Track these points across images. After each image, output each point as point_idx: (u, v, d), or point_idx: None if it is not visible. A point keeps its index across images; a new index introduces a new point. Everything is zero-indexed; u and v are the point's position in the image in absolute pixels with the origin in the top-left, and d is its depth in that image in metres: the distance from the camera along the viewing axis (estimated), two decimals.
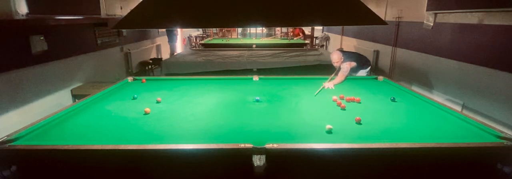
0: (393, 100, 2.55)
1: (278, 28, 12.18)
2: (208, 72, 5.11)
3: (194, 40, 11.71)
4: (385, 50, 5.99)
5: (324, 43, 9.95)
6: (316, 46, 9.24)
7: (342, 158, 1.63)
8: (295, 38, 9.20)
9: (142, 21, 1.91)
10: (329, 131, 1.84)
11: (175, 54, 8.11)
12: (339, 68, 3.44)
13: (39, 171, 1.66)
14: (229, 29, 12.52)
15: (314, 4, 1.90)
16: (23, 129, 1.84)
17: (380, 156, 1.63)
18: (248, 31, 13.03)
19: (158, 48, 8.37)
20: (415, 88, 3.95)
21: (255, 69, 5.14)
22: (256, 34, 12.10)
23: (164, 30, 8.78)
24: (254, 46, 7.43)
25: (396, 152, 1.62)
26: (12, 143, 1.66)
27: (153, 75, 6.81)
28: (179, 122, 2.09)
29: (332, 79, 3.21)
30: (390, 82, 3.16)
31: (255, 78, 3.28)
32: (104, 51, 5.42)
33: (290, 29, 10.72)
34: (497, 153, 1.65)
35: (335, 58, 3.57)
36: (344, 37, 8.53)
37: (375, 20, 1.90)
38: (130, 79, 3.27)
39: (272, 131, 1.89)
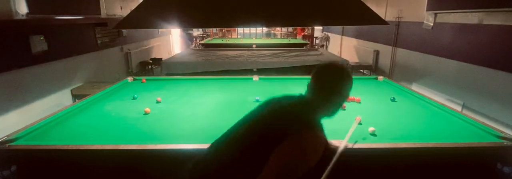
0: (393, 100, 2.55)
1: (278, 28, 12.18)
2: (208, 72, 5.11)
3: (194, 40, 11.71)
4: (385, 50, 5.99)
5: (324, 43, 9.94)
6: (316, 46, 9.23)
7: (342, 158, 1.62)
8: (299, 37, 9.17)
9: (142, 21, 1.91)
10: (373, 134, 1.83)
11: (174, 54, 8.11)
12: None
13: (39, 171, 1.66)
14: (229, 29, 12.51)
15: (314, 4, 1.90)
16: (23, 129, 1.84)
17: (380, 156, 1.63)
18: (273, 31, 12.72)
19: (158, 48, 8.38)
20: (415, 88, 3.95)
21: (255, 69, 5.13)
22: (256, 34, 12.08)
23: (164, 30, 8.77)
24: (254, 46, 7.42)
25: (396, 152, 1.62)
26: (12, 143, 1.66)
27: (153, 75, 6.81)
28: (179, 122, 2.09)
29: None
30: (390, 82, 3.16)
31: (255, 78, 3.28)
32: (104, 51, 5.42)
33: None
34: (497, 153, 1.65)
35: None
36: (344, 37, 8.53)
37: (376, 20, 1.90)
38: (130, 79, 3.27)
39: None
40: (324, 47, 9.84)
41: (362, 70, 6.84)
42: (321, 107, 1.19)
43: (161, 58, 6.57)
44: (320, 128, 1.16)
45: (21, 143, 1.68)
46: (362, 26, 6.32)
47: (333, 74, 1.21)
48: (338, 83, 1.19)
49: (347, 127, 1.96)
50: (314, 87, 1.20)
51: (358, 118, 1.85)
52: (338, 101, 1.22)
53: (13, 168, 1.57)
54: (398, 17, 5.40)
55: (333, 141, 1.55)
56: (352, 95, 2.63)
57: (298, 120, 1.14)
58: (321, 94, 1.19)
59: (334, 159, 1.38)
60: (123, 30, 6.02)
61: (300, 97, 1.25)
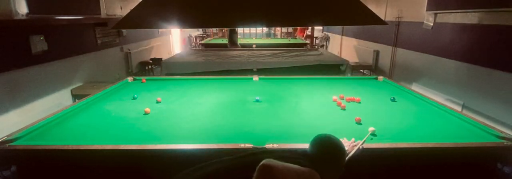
0: (393, 100, 2.55)
1: (279, 28, 12.17)
2: (208, 72, 5.11)
3: (194, 40, 11.70)
4: (385, 50, 5.99)
5: (324, 43, 9.94)
6: (316, 46, 9.23)
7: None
8: (298, 37, 9.18)
9: (142, 21, 1.91)
10: (373, 134, 1.82)
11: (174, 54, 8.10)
12: None
13: (39, 171, 1.66)
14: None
15: (314, 4, 1.90)
16: (23, 129, 1.84)
17: (380, 156, 1.63)
18: (273, 31, 12.74)
19: (158, 48, 8.37)
20: (415, 88, 3.95)
21: (255, 69, 5.13)
22: (256, 34, 12.07)
23: (164, 30, 8.77)
24: (254, 46, 7.42)
25: (396, 152, 1.62)
26: (12, 143, 1.66)
27: (153, 75, 6.81)
28: (179, 122, 2.09)
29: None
30: (390, 82, 3.16)
31: (255, 78, 3.28)
32: (104, 51, 5.42)
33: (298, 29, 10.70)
34: (497, 153, 1.65)
35: None
36: (344, 37, 8.53)
37: (375, 20, 1.90)
38: (130, 79, 3.27)
39: (272, 131, 1.89)
40: (324, 47, 9.84)
41: (362, 70, 6.84)
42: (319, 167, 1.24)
43: (161, 58, 6.57)
44: None
45: (21, 143, 1.68)
46: (362, 26, 6.32)
47: (331, 150, 1.28)
48: (332, 158, 1.28)
49: (347, 127, 1.97)
50: (311, 155, 1.27)
51: (372, 128, 1.83)
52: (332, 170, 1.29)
53: (13, 168, 1.57)
54: (398, 17, 5.40)
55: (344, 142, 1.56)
56: (352, 95, 2.64)
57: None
58: (317, 162, 1.25)
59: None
60: (123, 30, 6.02)
61: (304, 153, 1.30)
